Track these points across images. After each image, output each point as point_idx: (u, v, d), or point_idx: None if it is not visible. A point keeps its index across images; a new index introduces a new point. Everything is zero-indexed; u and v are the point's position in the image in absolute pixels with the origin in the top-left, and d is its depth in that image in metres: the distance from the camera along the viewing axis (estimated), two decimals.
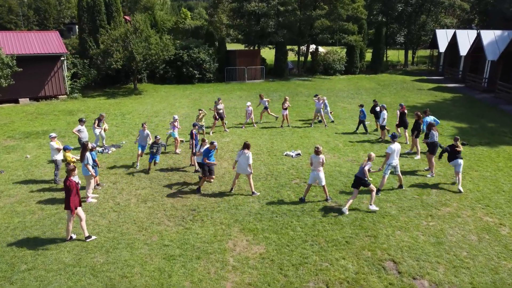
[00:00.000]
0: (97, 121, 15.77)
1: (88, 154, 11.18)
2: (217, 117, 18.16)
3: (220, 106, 18.31)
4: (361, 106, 18.32)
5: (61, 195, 11.73)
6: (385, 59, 43.18)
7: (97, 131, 15.83)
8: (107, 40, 26.67)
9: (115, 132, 18.60)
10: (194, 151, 13.62)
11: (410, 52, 48.26)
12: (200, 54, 32.37)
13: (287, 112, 19.41)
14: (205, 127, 18.06)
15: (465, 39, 35.17)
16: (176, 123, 15.60)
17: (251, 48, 40.41)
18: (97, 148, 15.73)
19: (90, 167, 11.11)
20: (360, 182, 10.61)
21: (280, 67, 37.25)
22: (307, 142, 16.98)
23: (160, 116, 21.73)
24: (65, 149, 11.89)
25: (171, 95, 27.70)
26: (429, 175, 13.19)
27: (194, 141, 13.57)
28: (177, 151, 15.71)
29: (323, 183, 11.16)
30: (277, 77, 37.23)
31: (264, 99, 20.32)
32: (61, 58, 25.25)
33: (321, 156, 10.93)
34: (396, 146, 11.60)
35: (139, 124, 19.99)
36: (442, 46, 39.35)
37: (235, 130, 18.99)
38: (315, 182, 11.21)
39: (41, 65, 24.70)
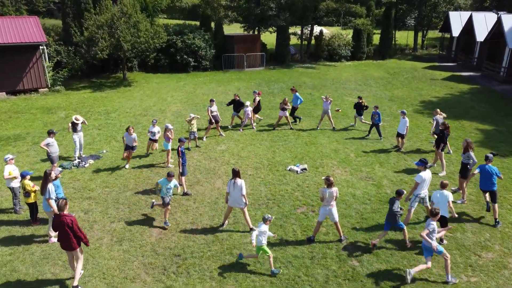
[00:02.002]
0: (70, 126, 13.72)
1: (50, 186, 9.12)
2: (212, 120, 15.98)
3: (214, 108, 16.10)
4: (376, 108, 16.10)
5: (20, 230, 9.73)
6: (393, 42, 40.46)
7: (76, 137, 13.74)
8: (91, 27, 24.15)
9: (96, 137, 16.46)
10: (181, 170, 11.54)
11: (419, 34, 45.47)
12: (195, 40, 29.82)
13: (287, 113, 17.17)
14: (197, 132, 15.90)
15: (482, 23, 32.52)
16: (169, 133, 13.45)
17: (251, 32, 37.72)
18: (74, 161, 13.69)
19: (52, 203, 9.07)
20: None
21: (282, 53, 34.71)
22: (314, 151, 14.87)
23: (149, 115, 19.52)
24: (22, 175, 9.80)
25: (163, 87, 25.38)
26: (459, 201, 11.15)
27: (181, 159, 11.47)
28: (170, 165, 13.65)
29: (336, 219, 9.15)
30: (279, 64, 34.74)
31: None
32: (41, 48, 22.82)
33: (334, 189, 8.88)
34: (427, 175, 9.50)
35: (125, 126, 17.82)
36: (456, 30, 36.68)
37: (232, 134, 16.84)
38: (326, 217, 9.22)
39: (18, 56, 22.32)
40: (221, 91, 24.51)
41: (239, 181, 9.42)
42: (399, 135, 15.01)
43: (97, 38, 23.78)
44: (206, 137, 16.25)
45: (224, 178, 12.71)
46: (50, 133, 12.33)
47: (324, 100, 17.30)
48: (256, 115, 18.52)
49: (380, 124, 16.25)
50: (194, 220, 10.31)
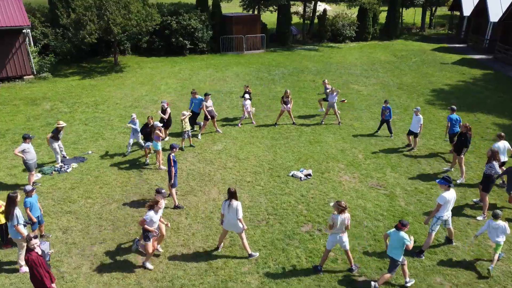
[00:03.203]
0: (51, 135, 12.34)
1: (17, 211, 7.90)
2: (208, 116, 14.63)
3: (209, 103, 14.73)
4: (386, 102, 14.73)
5: None
6: (400, 21, 38.48)
7: (56, 145, 12.44)
8: (79, 8, 22.42)
9: (82, 134, 15.15)
10: (172, 182, 10.31)
11: (427, 12, 43.33)
12: (191, 20, 28.03)
13: (289, 107, 15.74)
14: (191, 131, 14.61)
15: (496, 2, 30.59)
16: (160, 132, 12.18)
17: (250, 11, 35.75)
18: (56, 165, 12.47)
19: (21, 229, 7.89)
20: None
21: (283, 34, 32.90)
22: (318, 152, 13.61)
23: (140, 106, 18.14)
24: None
25: (157, 73, 23.86)
26: (480, 217, 9.97)
27: (173, 168, 10.22)
28: (162, 166, 12.47)
29: (347, 247, 7.99)
30: (280, 45, 33.00)
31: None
32: (24, 31, 21.18)
33: (346, 215, 7.67)
34: (451, 195, 8.27)
35: (114, 119, 16.52)
36: (467, 8, 34.72)
37: (229, 131, 15.53)
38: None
39: None
40: (219, 77, 23.02)
41: (235, 203, 8.21)
42: (412, 133, 13.72)
43: (85, 20, 22.10)
44: (201, 135, 14.96)
45: (220, 186, 11.50)
46: (25, 138, 11.01)
47: (327, 86, 15.89)
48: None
49: (391, 120, 14.91)
50: (186, 241, 9.15)
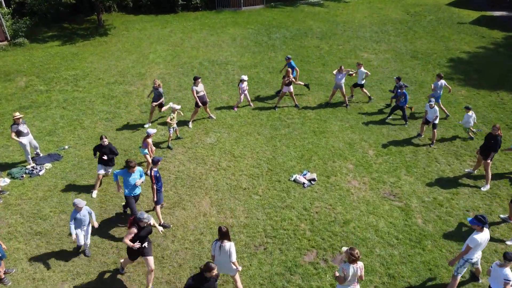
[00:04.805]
0: (13, 131, 10.71)
1: None
2: (199, 103, 12.92)
3: (200, 87, 12.92)
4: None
5: None
6: None
7: (25, 141, 10.88)
8: None
9: (58, 121, 13.53)
10: (156, 199, 8.93)
11: None
12: None
13: (291, 88, 13.94)
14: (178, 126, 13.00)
15: None
16: (149, 140, 10.52)
17: None
18: (27, 166, 11.04)
19: None
20: None
21: None
22: (323, 146, 12.09)
23: (126, 82, 16.29)
24: None
25: (145, 37, 21.58)
26: (510, 242, 8.70)
27: (156, 185, 8.79)
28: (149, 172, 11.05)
29: None
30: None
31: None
32: None
33: (359, 265, 6.39)
34: (483, 237, 6.90)
35: (96, 101, 14.80)
36: None
37: (224, 116, 13.88)
38: None
39: None
40: (213, 42, 20.82)
41: (228, 245, 6.89)
42: (427, 122, 12.13)
43: None
44: (192, 123, 13.34)
45: (212, 194, 10.14)
46: None
47: (337, 71, 14.02)
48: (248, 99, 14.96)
49: (406, 107, 13.23)
50: (171, 277, 7.95)
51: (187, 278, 7.88)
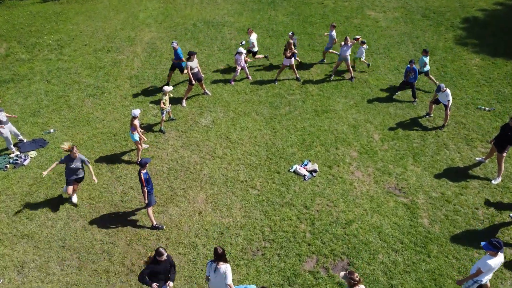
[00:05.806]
0: None
1: None
2: (193, 81, 11.96)
3: (194, 63, 11.89)
4: (411, 63, 11.89)
5: None
6: None
7: (5, 130, 10.14)
8: None
9: (43, 98, 12.63)
10: (147, 201, 8.39)
11: None
12: None
13: (292, 61, 12.87)
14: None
15: None
16: (136, 121, 9.73)
17: None
18: (11, 155, 10.40)
19: None
20: None
21: None
22: (326, 129, 11.35)
23: (114, 49, 15.10)
24: None
25: None
26: None
27: (146, 187, 8.21)
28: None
29: None
30: None
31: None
32: None
33: (361, 287, 6.00)
34: (497, 261, 6.43)
35: (82, 73, 13.78)
36: None
37: (220, 91, 12.97)
38: None
39: None
40: (209, 7, 19.12)
41: (223, 267, 6.45)
42: (438, 102, 11.29)
43: None
44: (185, 100, 12.46)
45: (208, 189, 9.60)
46: None
47: (343, 43, 12.85)
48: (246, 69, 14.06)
49: (414, 84, 12.28)
50: None
51: None
